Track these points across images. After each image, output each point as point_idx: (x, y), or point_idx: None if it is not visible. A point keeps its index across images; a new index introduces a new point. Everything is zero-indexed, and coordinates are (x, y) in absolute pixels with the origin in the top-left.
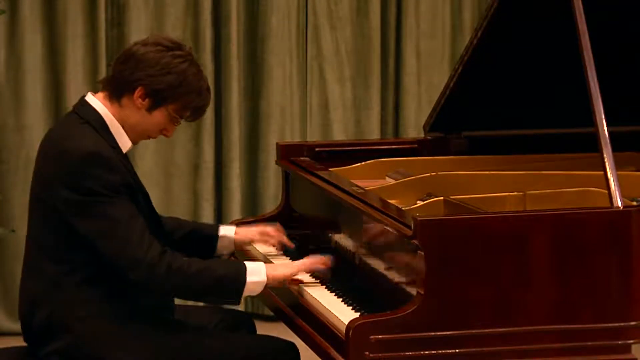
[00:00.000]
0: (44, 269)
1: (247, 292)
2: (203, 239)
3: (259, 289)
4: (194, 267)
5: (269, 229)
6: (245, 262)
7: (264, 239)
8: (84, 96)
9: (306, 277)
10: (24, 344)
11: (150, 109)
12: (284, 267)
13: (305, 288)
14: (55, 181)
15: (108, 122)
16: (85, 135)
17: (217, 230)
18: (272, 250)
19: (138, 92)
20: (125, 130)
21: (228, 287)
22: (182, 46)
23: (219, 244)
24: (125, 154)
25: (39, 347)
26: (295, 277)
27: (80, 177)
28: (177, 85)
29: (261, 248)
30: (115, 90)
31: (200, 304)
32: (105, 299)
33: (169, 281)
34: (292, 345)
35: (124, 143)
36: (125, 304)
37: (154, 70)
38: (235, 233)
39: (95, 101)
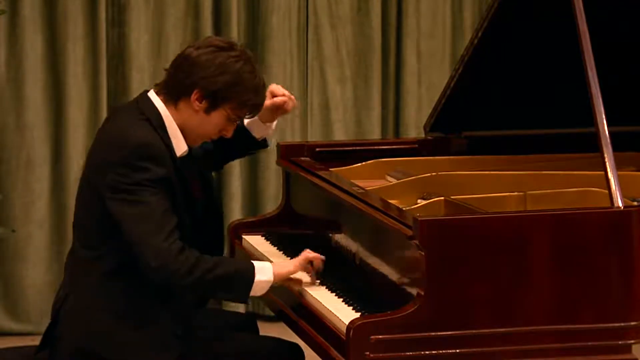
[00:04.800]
0: (77, 254)
1: (254, 290)
2: (238, 137)
3: (266, 288)
4: (210, 263)
5: (274, 87)
6: (253, 262)
7: (275, 99)
8: (147, 91)
9: (305, 277)
10: (24, 344)
11: (208, 110)
12: (287, 264)
13: (306, 288)
14: (104, 166)
15: (167, 124)
16: (142, 128)
17: (242, 122)
18: (270, 249)
19: (195, 95)
20: (185, 134)
21: (238, 285)
22: (235, 45)
23: (253, 130)
24: (181, 158)
25: (55, 332)
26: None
27: (129, 166)
28: (233, 85)
29: (261, 247)
30: (172, 95)
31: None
32: (126, 293)
33: (186, 275)
34: (297, 347)
35: (178, 145)
36: (140, 298)
37: (209, 72)
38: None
39: (158, 101)
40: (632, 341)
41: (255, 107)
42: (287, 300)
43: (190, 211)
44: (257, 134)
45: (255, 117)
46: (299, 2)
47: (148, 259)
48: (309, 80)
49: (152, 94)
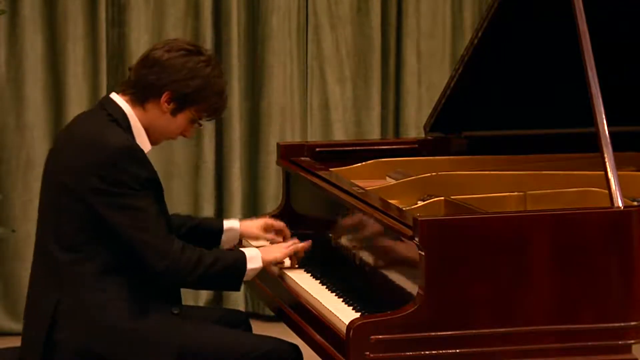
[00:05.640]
0: (55, 258)
1: (245, 278)
2: (208, 233)
3: (254, 275)
4: (210, 258)
5: (271, 221)
6: (243, 250)
7: (269, 234)
8: (109, 94)
9: (286, 261)
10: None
11: (175, 112)
12: (274, 251)
13: (302, 285)
14: (86, 171)
15: (132, 124)
16: (118, 132)
17: (221, 223)
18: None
19: (165, 97)
20: (149, 133)
21: (232, 276)
22: (201, 49)
23: (224, 237)
24: None
25: (40, 335)
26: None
27: (115, 169)
28: (202, 89)
29: (256, 243)
30: (140, 95)
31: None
32: (125, 284)
33: (191, 273)
34: (296, 348)
35: (143, 144)
36: (136, 295)
37: (180, 75)
38: (240, 226)
39: (122, 101)
40: (632, 341)
41: (217, 110)
42: (287, 300)
43: (164, 209)
44: (226, 242)
45: (237, 227)
46: (299, 2)
47: (154, 263)
48: (309, 80)
49: (114, 96)
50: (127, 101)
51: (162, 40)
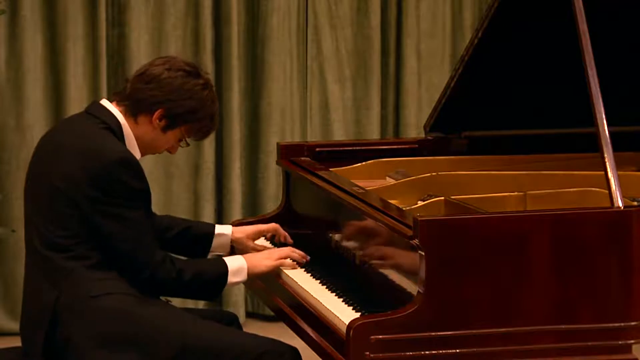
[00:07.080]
0: (48, 258)
1: (225, 289)
2: (199, 237)
3: (237, 285)
4: (187, 274)
5: (264, 227)
6: (227, 262)
7: (259, 241)
8: (98, 100)
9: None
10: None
11: (165, 129)
12: (261, 263)
13: (302, 285)
14: (83, 179)
15: (125, 132)
16: (114, 141)
17: (213, 228)
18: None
19: (157, 114)
20: (137, 144)
21: (210, 290)
22: (200, 71)
23: (215, 242)
24: None
25: (42, 332)
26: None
27: (111, 179)
28: (195, 111)
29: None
30: (134, 108)
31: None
32: (113, 279)
33: (169, 285)
34: (295, 349)
35: (134, 154)
36: (132, 284)
37: (176, 95)
38: (232, 232)
39: (115, 109)
40: (632, 341)
41: (206, 133)
42: (287, 300)
43: (150, 219)
44: (217, 248)
45: (229, 234)
46: (299, 2)
47: (136, 273)
48: (309, 80)
49: (107, 103)
50: (121, 111)
51: (162, 56)
